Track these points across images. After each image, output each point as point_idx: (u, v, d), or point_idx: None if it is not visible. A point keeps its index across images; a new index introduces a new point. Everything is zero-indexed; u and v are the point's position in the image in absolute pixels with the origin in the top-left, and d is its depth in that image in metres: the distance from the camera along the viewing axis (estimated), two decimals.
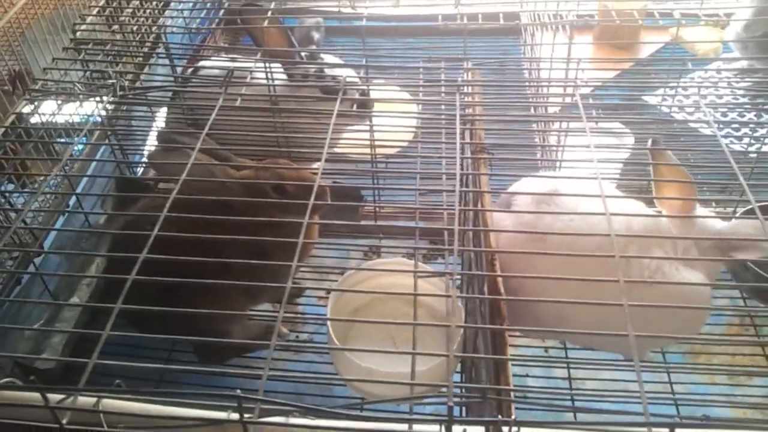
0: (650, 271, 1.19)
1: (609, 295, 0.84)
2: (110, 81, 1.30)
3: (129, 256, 0.96)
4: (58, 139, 1.60)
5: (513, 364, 1.65)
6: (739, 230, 1.24)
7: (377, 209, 1.80)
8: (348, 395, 1.53)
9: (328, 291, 1.59)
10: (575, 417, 1.36)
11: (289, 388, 1.62)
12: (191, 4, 2.03)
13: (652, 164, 1.22)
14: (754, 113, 1.80)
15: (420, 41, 2.45)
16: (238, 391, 0.69)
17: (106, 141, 1.72)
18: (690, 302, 1.20)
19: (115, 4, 1.75)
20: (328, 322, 1.38)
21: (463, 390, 1.24)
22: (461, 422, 0.70)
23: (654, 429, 0.68)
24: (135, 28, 1.81)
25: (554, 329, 1.02)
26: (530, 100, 1.51)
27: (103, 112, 1.50)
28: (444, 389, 0.71)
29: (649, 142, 1.27)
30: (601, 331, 0.83)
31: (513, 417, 0.62)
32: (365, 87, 1.61)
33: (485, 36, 2.50)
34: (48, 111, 1.51)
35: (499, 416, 0.63)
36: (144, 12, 1.92)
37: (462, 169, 1.05)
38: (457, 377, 1.40)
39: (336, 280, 1.65)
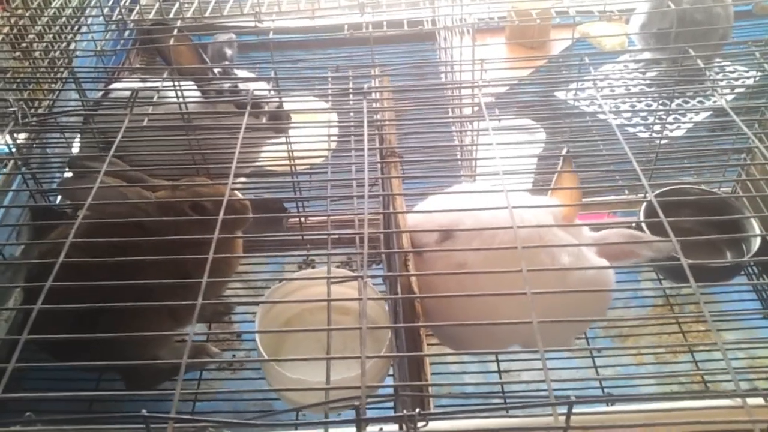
0: (565, 261, 1.25)
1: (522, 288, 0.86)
2: (11, 109, 1.26)
3: (42, 287, 0.94)
4: None
5: (450, 362, 1.70)
6: (608, 238, 1.32)
7: (301, 220, 1.80)
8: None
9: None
10: (506, 402, 1.39)
11: (228, 407, 1.61)
12: (102, 27, 2.00)
13: (555, 172, 1.29)
14: (660, 102, 1.89)
15: (340, 52, 2.48)
16: (144, 411, 0.68)
17: (18, 171, 1.68)
18: (599, 284, 1.26)
19: (15, 31, 1.70)
20: (257, 337, 1.38)
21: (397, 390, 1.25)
22: (372, 421, 0.71)
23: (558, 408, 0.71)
24: (40, 53, 1.77)
25: (464, 322, 1.04)
26: (444, 102, 1.54)
27: (10, 142, 1.46)
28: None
29: (564, 149, 1.35)
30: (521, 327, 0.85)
31: (417, 410, 0.64)
32: (278, 100, 1.62)
33: (403, 43, 2.54)
34: None
35: (405, 411, 0.64)
36: (50, 37, 1.88)
37: (373, 174, 1.06)
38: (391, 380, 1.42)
39: None
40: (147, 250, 1.20)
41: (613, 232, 1.35)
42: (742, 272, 1.73)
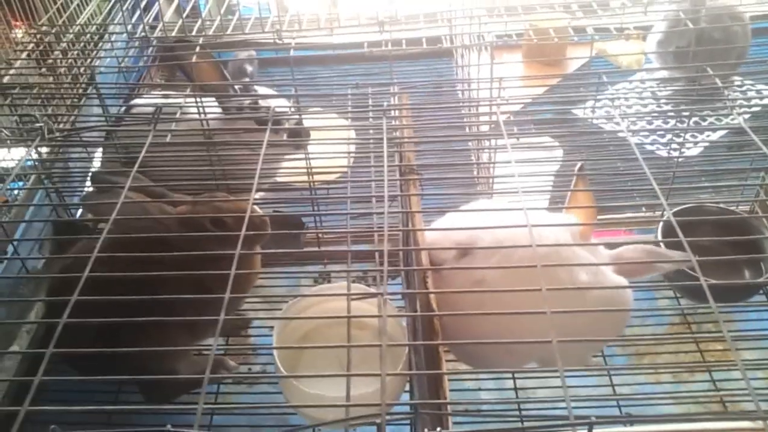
0: (584, 279, 1.24)
1: (541, 306, 0.86)
2: (38, 124, 1.29)
3: (66, 301, 0.96)
4: None
5: (465, 379, 1.70)
6: (624, 256, 1.33)
7: (319, 235, 1.81)
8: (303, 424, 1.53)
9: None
10: (522, 424, 1.38)
11: (245, 421, 1.61)
12: (124, 43, 2.04)
13: (570, 190, 1.31)
14: (676, 120, 1.89)
15: (357, 68, 2.50)
16: (169, 426, 0.69)
17: (42, 185, 1.71)
18: (618, 302, 1.25)
19: (42, 47, 1.74)
20: (275, 352, 1.39)
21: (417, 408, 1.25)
22: None
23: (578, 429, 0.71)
24: (64, 69, 1.81)
25: (482, 341, 1.04)
26: (461, 120, 1.55)
27: (35, 156, 1.49)
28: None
29: (578, 166, 1.35)
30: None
31: (438, 430, 0.64)
32: (298, 116, 1.64)
33: (421, 59, 2.56)
34: None
35: (425, 430, 0.64)
36: (74, 53, 1.91)
37: (392, 190, 1.07)
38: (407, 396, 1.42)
39: None
40: (168, 265, 1.21)
41: (630, 248, 1.35)
42: (761, 291, 1.71)
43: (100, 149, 1.87)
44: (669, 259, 1.24)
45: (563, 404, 0.75)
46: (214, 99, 1.71)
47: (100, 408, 0.89)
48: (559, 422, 0.70)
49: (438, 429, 0.64)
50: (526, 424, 0.77)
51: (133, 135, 1.61)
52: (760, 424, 0.72)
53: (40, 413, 0.81)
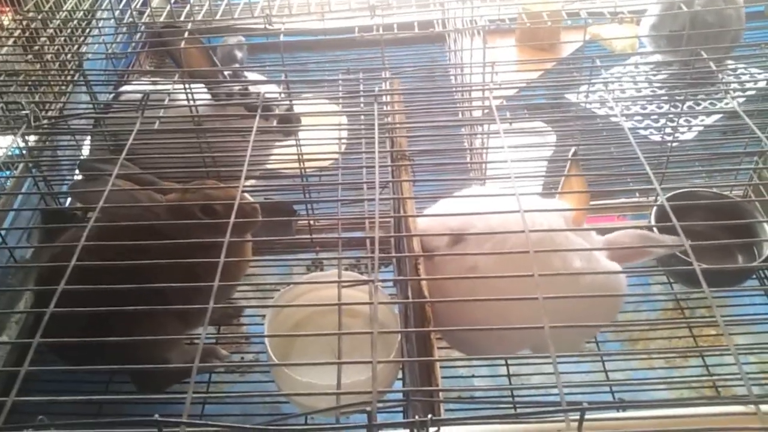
0: (577, 265, 1.24)
1: (534, 292, 0.85)
2: (24, 112, 1.27)
3: (54, 290, 0.94)
4: None
5: (458, 366, 1.70)
6: (617, 241, 1.33)
7: (311, 223, 1.80)
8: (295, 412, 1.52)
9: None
10: (515, 410, 1.38)
11: (237, 410, 1.61)
12: (112, 29, 2.01)
13: (564, 176, 1.30)
14: (670, 104, 1.88)
15: (348, 53, 2.48)
16: (157, 415, 0.68)
17: (29, 173, 1.69)
18: (611, 289, 1.25)
19: (28, 34, 1.72)
20: (266, 340, 1.38)
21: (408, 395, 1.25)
22: (384, 426, 0.71)
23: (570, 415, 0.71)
24: (51, 56, 1.79)
25: (474, 327, 1.04)
26: (453, 105, 1.54)
27: (22, 144, 1.47)
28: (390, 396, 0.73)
29: (571, 151, 1.34)
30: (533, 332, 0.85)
31: (429, 416, 0.63)
32: (288, 102, 1.62)
33: (413, 44, 2.54)
34: None
35: (417, 417, 0.64)
36: (61, 40, 1.89)
37: (384, 177, 1.06)
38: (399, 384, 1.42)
39: None
40: (157, 253, 1.20)
41: (624, 233, 1.34)
42: (754, 276, 1.71)
43: (89, 137, 1.85)
44: (662, 244, 1.24)
45: (556, 390, 0.74)
46: (203, 85, 1.69)
47: (87, 398, 0.88)
48: (552, 408, 0.69)
49: (430, 416, 0.64)
50: (518, 410, 0.76)
51: (121, 122, 1.59)
52: (752, 408, 0.71)
53: (29, 403, 0.80)
